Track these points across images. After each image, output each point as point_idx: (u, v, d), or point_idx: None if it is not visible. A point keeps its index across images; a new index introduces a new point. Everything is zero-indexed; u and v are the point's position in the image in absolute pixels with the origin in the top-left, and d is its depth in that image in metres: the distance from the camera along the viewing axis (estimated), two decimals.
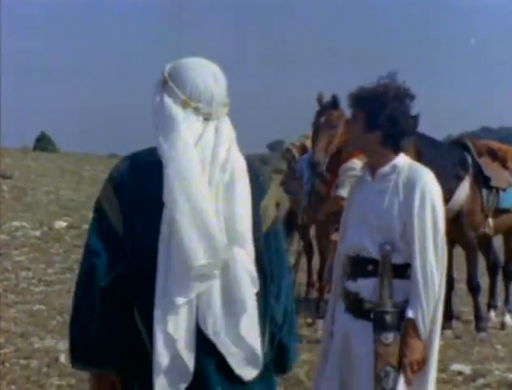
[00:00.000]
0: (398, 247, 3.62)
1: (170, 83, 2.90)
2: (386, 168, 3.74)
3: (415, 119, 3.77)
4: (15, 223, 12.24)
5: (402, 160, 3.76)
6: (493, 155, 8.42)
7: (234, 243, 2.79)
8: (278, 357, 3.04)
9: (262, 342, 2.88)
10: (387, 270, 3.64)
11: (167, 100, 2.88)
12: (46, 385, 5.95)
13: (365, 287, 3.70)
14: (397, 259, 3.65)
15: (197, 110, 2.87)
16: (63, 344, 6.84)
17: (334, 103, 7.66)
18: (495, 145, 8.65)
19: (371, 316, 3.65)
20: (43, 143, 33.42)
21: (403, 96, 3.72)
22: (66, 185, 17.47)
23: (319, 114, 7.74)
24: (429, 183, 3.67)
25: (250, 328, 2.82)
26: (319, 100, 7.82)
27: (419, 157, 7.16)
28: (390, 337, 3.62)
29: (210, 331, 2.78)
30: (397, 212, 3.64)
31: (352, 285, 3.76)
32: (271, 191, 3.00)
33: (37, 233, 11.85)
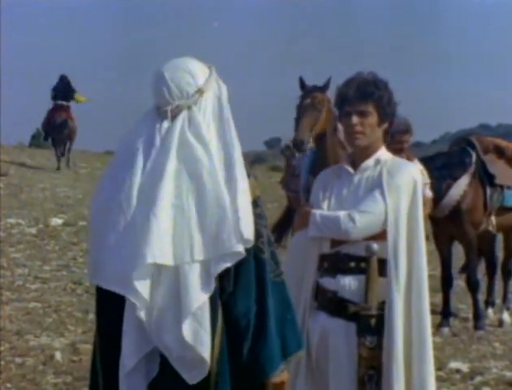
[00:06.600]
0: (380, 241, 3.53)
1: None
2: (370, 161, 3.65)
3: None
4: (11, 220, 12.18)
5: (385, 154, 3.70)
6: (500, 153, 8.36)
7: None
8: (250, 365, 2.78)
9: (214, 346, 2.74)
10: (373, 269, 3.53)
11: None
12: (42, 383, 5.92)
13: (345, 285, 3.57)
14: (379, 254, 3.55)
15: (157, 110, 2.85)
16: (59, 342, 6.82)
17: (320, 86, 7.52)
18: (503, 142, 8.61)
19: (355, 317, 3.54)
20: (39, 140, 33.26)
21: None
22: (62, 182, 17.39)
23: (303, 97, 7.58)
24: (414, 173, 3.65)
25: (196, 332, 2.69)
26: (301, 83, 7.70)
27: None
28: (374, 341, 3.54)
29: (154, 335, 2.73)
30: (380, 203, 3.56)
31: (329, 282, 3.61)
32: None
33: (33, 230, 11.79)
